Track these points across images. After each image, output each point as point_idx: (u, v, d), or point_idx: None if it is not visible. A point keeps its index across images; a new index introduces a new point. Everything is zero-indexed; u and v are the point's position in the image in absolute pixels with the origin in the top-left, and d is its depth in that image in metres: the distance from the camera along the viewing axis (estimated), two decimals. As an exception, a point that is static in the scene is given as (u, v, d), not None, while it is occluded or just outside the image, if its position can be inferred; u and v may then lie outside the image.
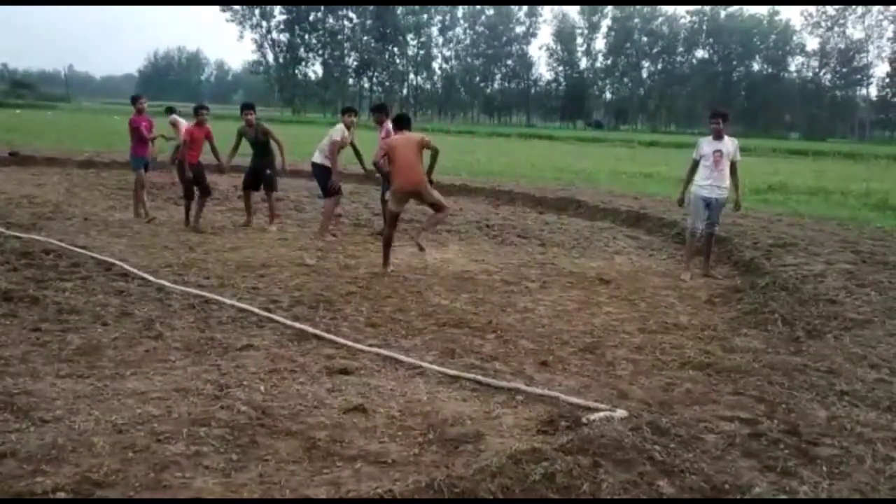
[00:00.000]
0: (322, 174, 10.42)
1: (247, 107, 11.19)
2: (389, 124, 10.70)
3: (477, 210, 14.15)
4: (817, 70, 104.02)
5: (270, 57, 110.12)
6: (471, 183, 17.44)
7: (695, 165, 8.86)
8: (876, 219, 13.58)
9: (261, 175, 11.21)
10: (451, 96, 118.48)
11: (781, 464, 3.64)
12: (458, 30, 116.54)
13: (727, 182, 8.77)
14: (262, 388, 4.59)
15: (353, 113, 10.75)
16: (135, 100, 11.85)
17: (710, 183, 8.72)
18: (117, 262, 7.85)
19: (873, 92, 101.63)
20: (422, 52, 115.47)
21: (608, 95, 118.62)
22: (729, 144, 8.72)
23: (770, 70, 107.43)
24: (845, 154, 43.59)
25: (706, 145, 8.77)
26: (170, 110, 16.22)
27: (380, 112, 10.85)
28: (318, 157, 10.48)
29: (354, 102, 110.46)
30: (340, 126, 10.44)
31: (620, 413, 4.22)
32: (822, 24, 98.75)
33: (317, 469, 3.58)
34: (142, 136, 11.38)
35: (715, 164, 8.67)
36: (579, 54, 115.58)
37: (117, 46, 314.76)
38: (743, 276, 8.84)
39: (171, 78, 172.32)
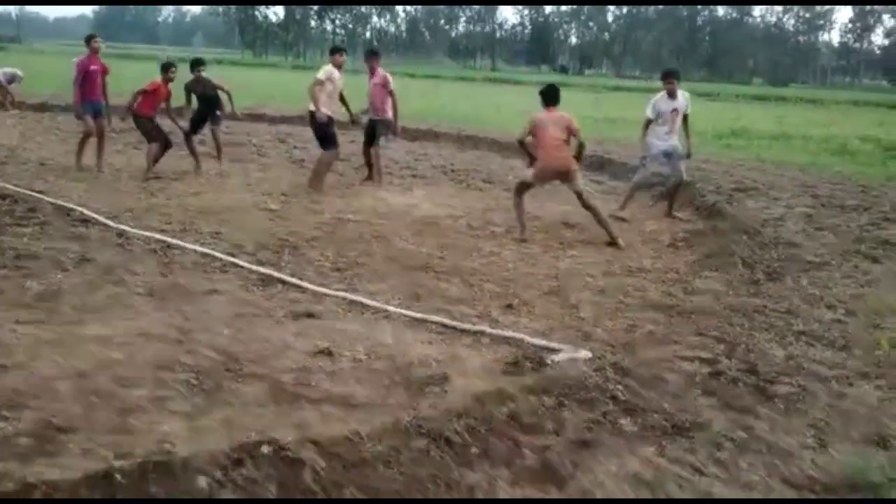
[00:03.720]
0: (313, 122, 9.76)
1: (198, 62, 11.12)
2: (381, 70, 10.51)
3: (442, 154, 14.07)
4: (780, 15, 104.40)
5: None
6: (436, 128, 17.30)
7: (648, 123, 8.90)
8: (835, 163, 13.78)
9: (208, 116, 11.07)
10: (416, 40, 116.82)
11: (740, 402, 3.74)
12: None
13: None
14: (226, 332, 4.57)
15: (343, 52, 10.13)
16: (89, 39, 10.90)
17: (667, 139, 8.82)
18: (76, 208, 7.66)
19: (836, 38, 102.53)
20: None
21: (573, 40, 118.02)
22: (682, 100, 8.75)
23: (734, 14, 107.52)
24: (807, 100, 43.97)
25: (662, 104, 8.78)
26: None
27: (374, 57, 10.63)
28: (312, 106, 9.70)
29: (316, 45, 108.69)
30: (328, 66, 9.76)
31: (584, 354, 4.29)
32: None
33: (283, 412, 3.59)
34: (93, 80, 10.84)
35: (672, 122, 8.75)
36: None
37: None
38: (705, 220, 8.93)
39: (126, 20, 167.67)
